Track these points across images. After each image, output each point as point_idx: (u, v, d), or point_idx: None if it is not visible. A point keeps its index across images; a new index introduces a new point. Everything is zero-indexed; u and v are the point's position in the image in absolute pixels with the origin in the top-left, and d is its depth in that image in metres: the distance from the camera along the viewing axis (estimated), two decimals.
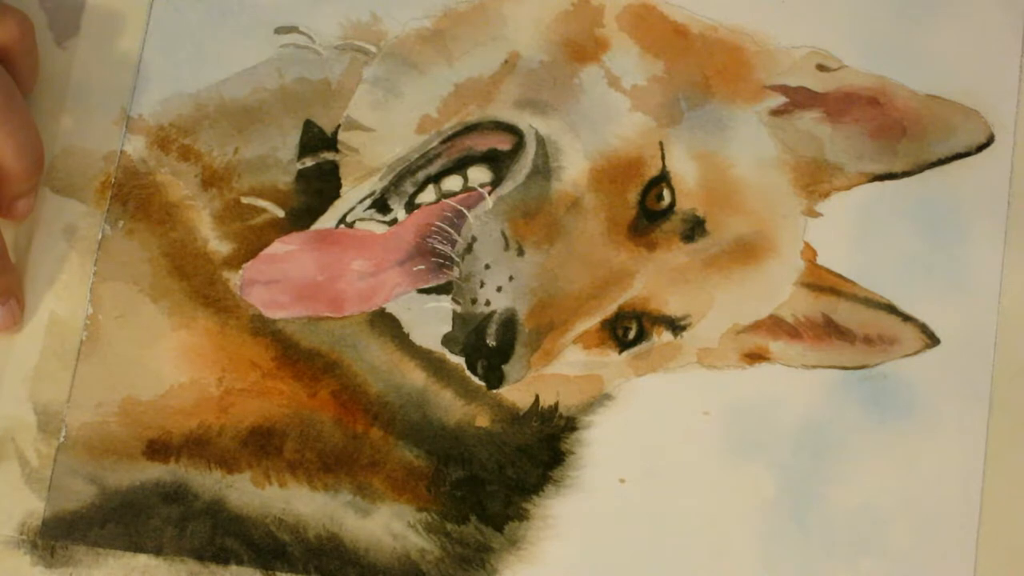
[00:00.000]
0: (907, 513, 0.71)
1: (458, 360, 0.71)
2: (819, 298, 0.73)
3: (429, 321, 0.72)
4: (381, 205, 0.73)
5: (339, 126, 0.73)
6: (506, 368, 0.71)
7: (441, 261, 0.72)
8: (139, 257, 0.72)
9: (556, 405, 0.71)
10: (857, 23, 0.75)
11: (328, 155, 0.73)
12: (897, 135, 0.74)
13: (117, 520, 0.69)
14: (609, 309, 0.72)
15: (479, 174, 0.73)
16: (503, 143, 0.73)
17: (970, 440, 0.72)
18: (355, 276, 0.72)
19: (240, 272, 0.72)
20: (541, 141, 0.73)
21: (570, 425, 0.71)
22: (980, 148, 0.74)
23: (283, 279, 0.72)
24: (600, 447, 0.71)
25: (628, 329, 0.72)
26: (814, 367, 0.72)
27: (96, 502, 0.70)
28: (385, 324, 0.72)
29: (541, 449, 0.71)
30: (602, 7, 0.75)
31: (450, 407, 0.71)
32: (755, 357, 0.72)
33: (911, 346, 0.72)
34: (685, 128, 0.74)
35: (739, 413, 0.72)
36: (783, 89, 0.74)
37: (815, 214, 0.73)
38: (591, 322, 0.72)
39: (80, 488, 0.70)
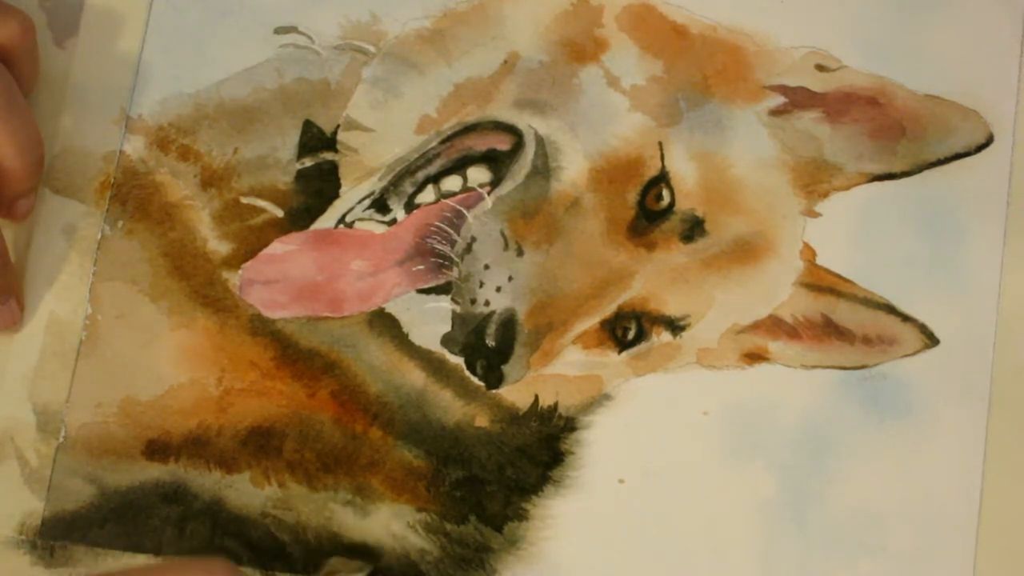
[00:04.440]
0: (907, 513, 0.71)
1: (457, 360, 0.71)
2: (818, 298, 0.73)
3: (428, 321, 0.72)
4: (380, 205, 0.73)
5: (338, 126, 0.73)
6: (505, 368, 0.71)
7: (440, 261, 0.72)
8: (138, 257, 0.72)
9: (555, 405, 0.71)
10: (857, 23, 0.75)
11: (327, 155, 0.73)
12: (896, 135, 0.74)
13: (116, 520, 0.69)
14: (608, 309, 0.72)
15: (478, 174, 0.73)
16: (502, 143, 0.73)
17: (970, 440, 0.72)
18: (354, 276, 0.72)
19: (239, 272, 0.72)
20: (540, 141, 0.73)
21: (569, 425, 0.71)
22: (979, 148, 0.74)
23: (282, 279, 0.72)
24: (599, 447, 0.71)
25: (627, 329, 0.72)
26: (813, 367, 0.72)
27: (95, 502, 0.70)
28: (384, 324, 0.72)
29: (540, 449, 0.71)
30: (601, 7, 0.75)
31: (449, 407, 0.71)
32: (754, 357, 0.72)
33: (910, 346, 0.72)
34: (684, 128, 0.74)
35: (738, 413, 0.72)
36: (782, 89, 0.74)
37: (814, 214, 0.73)
38: (590, 322, 0.72)
39: (79, 488, 0.70)
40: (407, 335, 0.72)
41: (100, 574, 0.63)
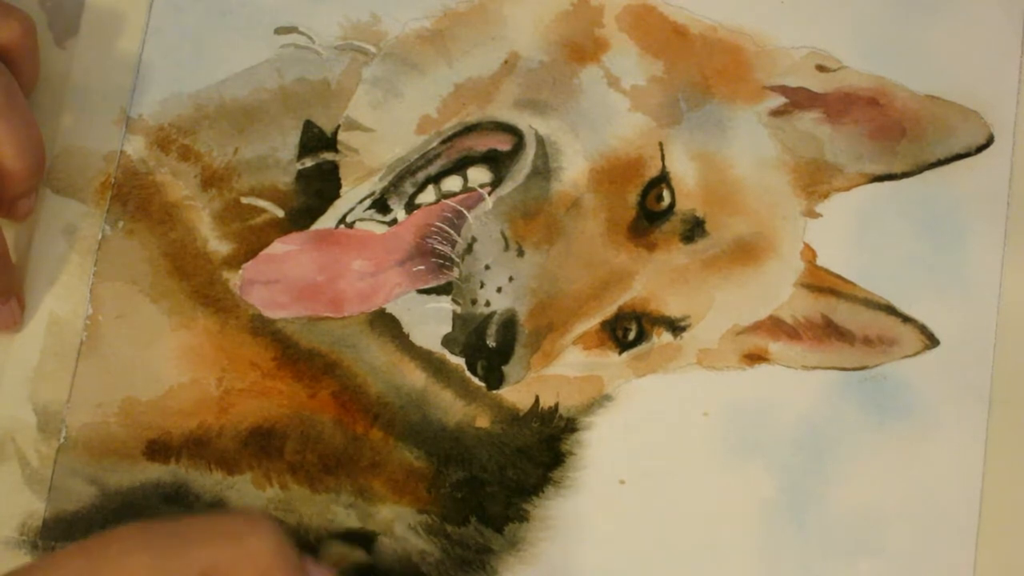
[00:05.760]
0: (907, 513, 0.71)
1: (458, 361, 0.71)
2: (819, 299, 0.73)
3: (429, 322, 0.72)
4: (381, 205, 0.73)
5: (339, 126, 0.73)
6: (506, 369, 0.71)
7: (441, 261, 0.72)
8: (139, 257, 0.72)
9: (556, 406, 0.71)
10: (857, 23, 0.75)
11: (328, 155, 0.73)
12: (897, 136, 0.74)
13: (117, 521, 0.69)
14: (609, 310, 0.72)
15: (479, 174, 0.73)
16: (503, 143, 0.73)
17: (970, 440, 0.72)
18: (355, 276, 0.72)
19: (240, 272, 0.72)
20: (541, 141, 0.73)
21: (570, 426, 0.71)
22: (980, 149, 0.74)
23: (283, 279, 0.72)
24: (600, 448, 0.71)
25: (628, 330, 0.72)
26: (814, 368, 0.72)
27: (96, 503, 0.70)
28: (385, 324, 0.72)
29: (541, 450, 0.71)
30: (601, 7, 0.75)
31: (450, 408, 0.71)
32: (755, 358, 0.72)
33: (911, 347, 0.72)
34: (685, 128, 0.74)
35: (739, 414, 0.72)
36: (783, 89, 0.74)
37: (815, 215, 0.73)
38: (591, 323, 0.72)
39: (80, 489, 0.70)
40: (408, 335, 0.72)
41: (132, 525, 0.61)
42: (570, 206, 0.72)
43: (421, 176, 0.73)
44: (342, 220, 0.73)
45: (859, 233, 0.73)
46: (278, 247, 0.72)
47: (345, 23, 0.74)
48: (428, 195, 0.73)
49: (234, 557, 0.58)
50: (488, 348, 0.71)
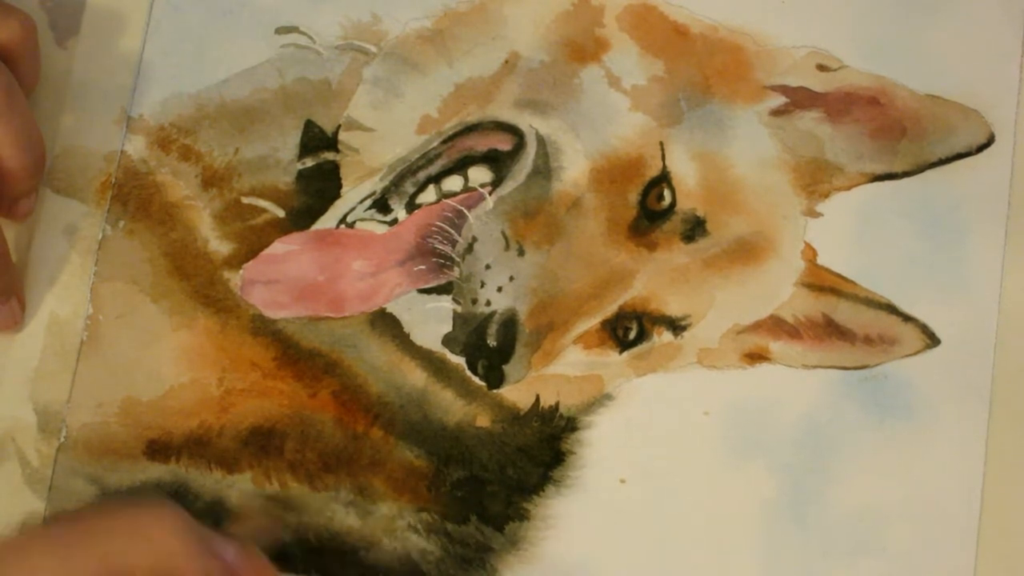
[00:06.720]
0: (907, 513, 0.71)
1: (459, 360, 0.71)
2: (819, 298, 0.73)
3: (429, 321, 0.72)
4: (382, 205, 0.73)
5: (339, 126, 0.73)
6: (507, 368, 0.71)
7: (442, 261, 0.72)
8: (139, 257, 0.72)
9: (556, 405, 0.71)
10: (857, 23, 0.75)
11: (328, 155, 0.73)
12: (897, 135, 0.74)
13: None
14: (609, 309, 0.72)
15: (479, 174, 0.73)
16: (503, 143, 0.73)
17: (970, 440, 0.72)
18: (355, 276, 0.72)
19: (240, 272, 0.72)
20: (541, 141, 0.73)
21: (570, 425, 0.71)
22: (980, 148, 0.74)
23: (283, 279, 0.72)
24: (600, 447, 0.71)
25: (628, 329, 0.72)
26: (814, 367, 0.72)
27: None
28: (386, 324, 0.72)
29: (542, 449, 0.71)
30: (602, 7, 0.75)
31: (451, 407, 0.71)
32: (755, 357, 0.72)
33: (911, 346, 0.72)
34: (685, 128, 0.74)
35: (739, 413, 0.72)
36: (783, 89, 0.74)
37: (815, 214, 0.73)
38: (591, 322, 0.72)
39: (81, 488, 0.70)
40: (408, 335, 0.72)
41: (33, 528, 0.61)
42: (571, 206, 0.72)
43: (422, 176, 0.73)
44: (343, 220, 0.73)
45: (860, 232, 0.73)
46: (279, 247, 0.72)
47: (346, 23, 0.75)
48: (429, 195, 0.73)
49: (138, 548, 0.59)
50: (489, 347, 0.71)
